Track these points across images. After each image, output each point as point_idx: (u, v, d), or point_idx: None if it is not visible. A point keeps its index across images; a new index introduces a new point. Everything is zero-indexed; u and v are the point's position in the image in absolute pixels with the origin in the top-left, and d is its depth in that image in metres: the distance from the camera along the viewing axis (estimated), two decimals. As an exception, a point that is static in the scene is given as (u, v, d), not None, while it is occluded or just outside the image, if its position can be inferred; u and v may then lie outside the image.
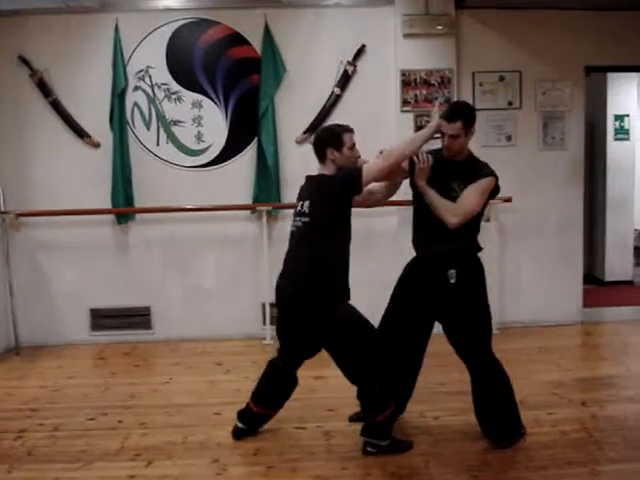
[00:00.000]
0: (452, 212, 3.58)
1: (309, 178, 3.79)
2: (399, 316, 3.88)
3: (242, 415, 3.96)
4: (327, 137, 3.71)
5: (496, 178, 3.68)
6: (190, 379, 5.09)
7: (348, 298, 3.70)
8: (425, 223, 3.73)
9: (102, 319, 6.17)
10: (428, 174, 3.68)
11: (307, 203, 3.62)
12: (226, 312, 6.11)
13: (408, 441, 3.81)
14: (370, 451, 3.67)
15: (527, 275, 6.34)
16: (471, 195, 3.59)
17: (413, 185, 3.82)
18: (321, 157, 3.69)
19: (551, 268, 6.36)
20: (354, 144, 3.72)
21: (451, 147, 3.69)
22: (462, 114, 3.67)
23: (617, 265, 8.04)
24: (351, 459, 3.64)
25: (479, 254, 3.80)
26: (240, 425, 3.95)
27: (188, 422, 4.21)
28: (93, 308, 6.16)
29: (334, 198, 3.57)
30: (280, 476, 3.51)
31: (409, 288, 3.89)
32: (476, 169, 3.68)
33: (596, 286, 7.90)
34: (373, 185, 3.84)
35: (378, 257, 6.07)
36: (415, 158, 3.69)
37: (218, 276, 6.16)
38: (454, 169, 3.70)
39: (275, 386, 3.91)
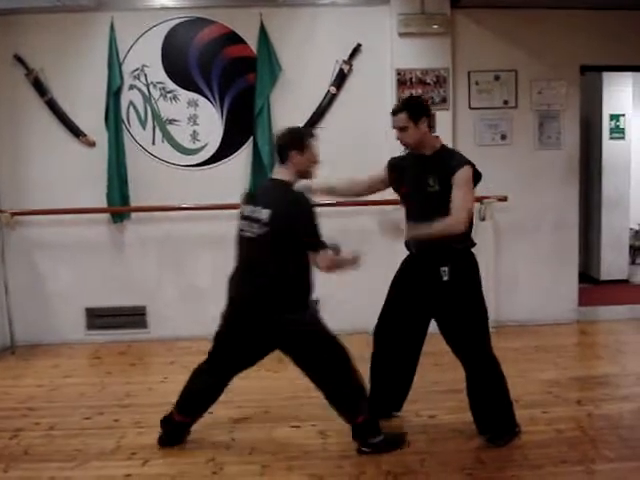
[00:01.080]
0: (453, 224, 3.55)
1: (271, 182, 3.73)
2: (394, 314, 3.91)
3: (165, 422, 3.92)
4: (293, 139, 3.66)
5: (472, 165, 3.67)
6: (185, 378, 4.97)
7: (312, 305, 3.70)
8: (416, 221, 3.72)
9: (98, 318, 6.17)
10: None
11: (268, 213, 3.50)
12: (221, 311, 6.09)
13: (401, 434, 3.82)
14: (365, 450, 3.67)
15: (523, 274, 6.35)
16: (459, 194, 3.57)
17: (398, 191, 3.91)
18: (283, 159, 3.64)
19: (547, 267, 6.37)
20: (315, 150, 3.71)
21: (402, 139, 3.76)
22: (405, 105, 3.75)
23: (613, 264, 8.05)
24: (346, 458, 3.65)
25: (474, 250, 3.80)
26: (163, 432, 3.91)
27: (184, 421, 4.21)
28: (88, 307, 6.16)
29: (293, 234, 3.50)
30: (275, 475, 3.51)
31: (403, 286, 3.91)
32: (448, 160, 3.67)
33: (592, 285, 7.91)
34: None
35: (374, 256, 6.05)
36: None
37: (213, 275, 6.13)
38: (427, 164, 3.71)
39: (200, 393, 3.88)
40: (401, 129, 3.72)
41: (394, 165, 4.00)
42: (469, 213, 3.61)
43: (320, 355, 3.62)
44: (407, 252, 3.98)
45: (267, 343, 3.68)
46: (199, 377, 3.88)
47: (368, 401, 3.73)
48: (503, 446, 3.72)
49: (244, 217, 3.66)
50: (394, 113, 3.75)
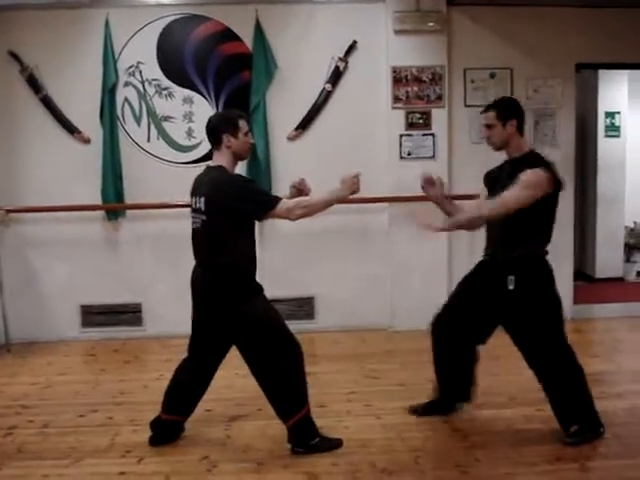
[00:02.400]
0: (481, 207, 3.65)
1: (208, 169, 3.70)
2: (454, 311, 3.93)
3: (154, 424, 3.91)
4: (223, 123, 3.63)
5: (545, 169, 3.58)
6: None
7: (261, 291, 3.67)
8: (490, 227, 3.73)
9: (93, 316, 6.16)
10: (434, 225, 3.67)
11: (203, 200, 3.52)
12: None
13: (337, 439, 3.80)
14: (297, 450, 3.67)
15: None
16: (513, 189, 3.53)
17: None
18: (216, 144, 3.62)
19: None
20: (248, 130, 3.68)
21: (488, 138, 3.77)
22: (496, 105, 3.77)
23: (608, 262, 8.06)
24: (341, 455, 3.64)
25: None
26: (153, 433, 3.90)
27: (179, 419, 4.21)
28: (84, 304, 6.15)
29: (233, 211, 3.48)
30: (270, 472, 3.51)
31: (469, 287, 3.92)
32: (529, 163, 3.62)
33: (587, 283, 7.91)
34: None
35: (369, 253, 6.07)
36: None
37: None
38: (512, 167, 3.70)
39: (184, 390, 3.86)
40: (488, 127, 3.73)
41: (486, 176, 4.00)
42: (503, 207, 3.52)
43: (268, 350, 3.58)
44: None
45: (228, 334, 3.67)
46: (182, 374, 3.87)
47: (306, 411, 3.69)
48: (582, 444, 3.65)
49: (191, 209, 3.67)
50: (485, 110, 3.78)
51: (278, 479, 3.45)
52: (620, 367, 5.10)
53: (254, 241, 3.68)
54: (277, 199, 3.54)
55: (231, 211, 3.47)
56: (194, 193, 3.64)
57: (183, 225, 6.00)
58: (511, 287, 3.62)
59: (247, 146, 3.68)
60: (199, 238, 3.63)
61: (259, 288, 3.66)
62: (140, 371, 5.33)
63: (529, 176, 3.53)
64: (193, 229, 3.66)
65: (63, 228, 6.06)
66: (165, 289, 6.14)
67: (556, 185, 3.62)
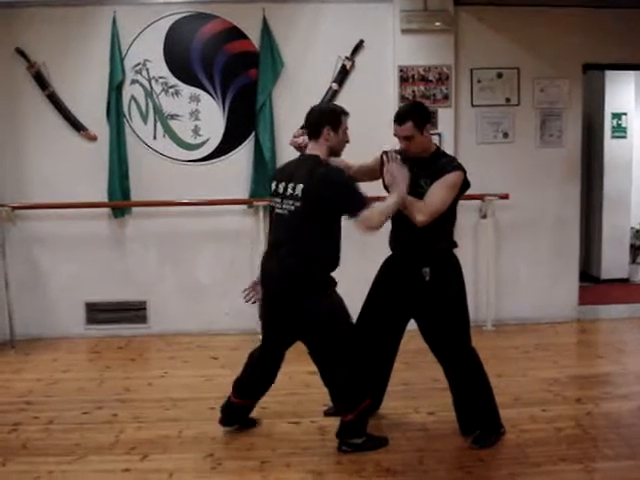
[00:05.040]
0: (419, 210, 3.54)
1: (302, 157, 3.72)
2: (374, 313, 3.91)
3: (225, 409, 3.95)
4: (326, 115, 3.63)
5: (463, 172, 3.64)
6: (185, 373, 5.09)
7: (335, 285, 3.69)
8: (400, 222, 3.69)
9: (97, 313, 6.16)
10: None
11: (300, 187, 3.50)
12: (222, 306, 6.10)
13: (383, 437, 3.80)
14: (345, 449, 3.66)
15: (523, 272, 6.34)
16: (437, 191, 3.56)
17: (385, 185, 3.79)
18: (316, 134, 3.61)
19: (547, 265, 6.36)
20: (347, 128, 3.69)
21: (408, 149, 3.67)
22: (411, 114, 3.64)
23: (613, 263, 8.04)
24: (345, 454, 3.64)
25: (456, 250, 3.80)
26: (223, 415, 3.95)
27: (183, 416, 4.21)
28: (89, 302, 6.15)
29: (333, 205, 3.49)
30: (274, 471, 3.50)
31: (384, 286, 3.91)
32: (442, 164, 3.64)
33: (592, 284, 7.91)
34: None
35: (373, 253, 6.04)
36: (385, 158, 3.69)
37: (214, 270, 6.14)
38: (421, 166, 3.66)
39: (255, 376, 3.88)
40: (407, 138, 3.64)
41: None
42: (437, 213, 3.55)
43: (331, 348, 3.60)
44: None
45: (292, 325, 3.67)
46: (251, 361, 3.89)
47: (367, 404, 3.68)
48: (487, 447, 3.68)
49: (276, 194, 3.66)
50: (400, 122, 3.64)
51: (282, 478, 3.44)
52: (625, 368, 5.07)
53: (340, 236, 3.67)
54: (363, 207, 3.47)
55: (330, 204, 3.49)
56: (284, 179, 3.63)
57: (189, 223, 6.08)
58: (427, 279, 3.64)
59: (343, 144, 3.69)
60: (285, 225, 3.61)
61: (332, 282, 3.67)
62: (145, 368, 5.34)
63: (451, 178, 3.58)
64: (278, 214, 3.65)
65: (69, 225, 6.06)
66: (170, 287, 6.16)
67: (464, 186, 3.68)
